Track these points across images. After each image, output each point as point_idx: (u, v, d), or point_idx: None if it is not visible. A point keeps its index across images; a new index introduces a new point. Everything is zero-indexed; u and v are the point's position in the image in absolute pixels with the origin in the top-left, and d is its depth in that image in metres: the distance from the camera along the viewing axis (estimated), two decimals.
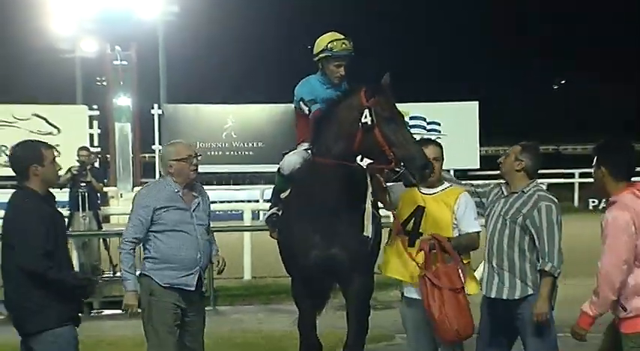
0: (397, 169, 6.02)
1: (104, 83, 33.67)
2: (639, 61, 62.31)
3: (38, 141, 6.15)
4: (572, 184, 29.71)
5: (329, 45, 6.91)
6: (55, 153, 5.89)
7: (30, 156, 5.76)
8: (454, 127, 28.59)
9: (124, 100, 30.60)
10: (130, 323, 6.20)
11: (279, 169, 7.00)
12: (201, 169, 6.71)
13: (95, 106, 31.19)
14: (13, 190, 5.92)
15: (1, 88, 36.75)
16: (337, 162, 6.24)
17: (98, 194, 14.42)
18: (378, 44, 59.87)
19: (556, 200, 6.07)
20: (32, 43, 36.53)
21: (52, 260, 5.55)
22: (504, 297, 5.97)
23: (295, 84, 7.20)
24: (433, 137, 30.53)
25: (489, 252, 6.04)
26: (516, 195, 6.02)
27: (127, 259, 6.21)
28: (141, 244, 6.43)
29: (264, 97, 33.14)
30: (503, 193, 6.15)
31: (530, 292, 5.90)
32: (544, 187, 6.32)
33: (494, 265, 6.00)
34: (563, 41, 66.73)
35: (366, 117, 6.09)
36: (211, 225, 6.67)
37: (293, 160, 6.77)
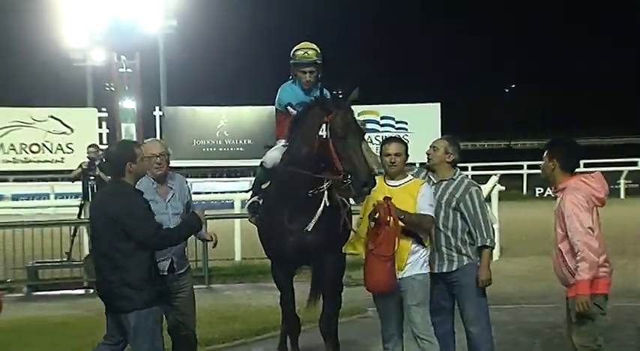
0: (344, 181, 5.92)
1: (112, 88, 33.48)
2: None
3: (132, 141, 6.19)
4: (522, 175, 29.86)
5: (293, 54, 6.91)
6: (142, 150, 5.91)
7: (126, 155, 5.76)
8: (419, 125, 28.63)
9: (129, 103, 30.56)
10: None
11: (261, 162, 6.96)
12: (197, 163, 6.69)
13: (104, 109, 31.14)
14: (111, 184, 5.92)
15: (20, 94, 36.53)
16: (299, 171, 6.24)
17: None
18: (357, 50, 59.96)
19: (478, 185, 6.32)
20: (48, 53, 36.28)
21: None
22: (445, 270, 6.06)
23: (275, 89, 7.19)
24: (401, 135, 30.85)
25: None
26: (446, 182, 6.14)
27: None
28: None
29: (253, 100, 32.98)
30: (432, 181, 6.20)
31: (466, 262, 6.03)
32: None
33: (433, 242, 6.06)
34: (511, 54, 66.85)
35: (323, 131, 6.06)
36: (193, 208, 6.42)
37: (274, 155, 6.72)
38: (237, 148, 29.88)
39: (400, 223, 5.79)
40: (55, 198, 25.08)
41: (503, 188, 15.02)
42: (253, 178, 7.48)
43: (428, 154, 6.27)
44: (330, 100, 6.28)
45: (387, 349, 6.14)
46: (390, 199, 5.87)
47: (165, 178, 6.31)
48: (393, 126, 29.91)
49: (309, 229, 6.29)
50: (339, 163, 5.99)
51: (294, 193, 6.32)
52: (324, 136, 6.09)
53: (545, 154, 5.79)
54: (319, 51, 6.93)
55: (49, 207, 22.34)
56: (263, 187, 6.87)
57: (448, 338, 6.20)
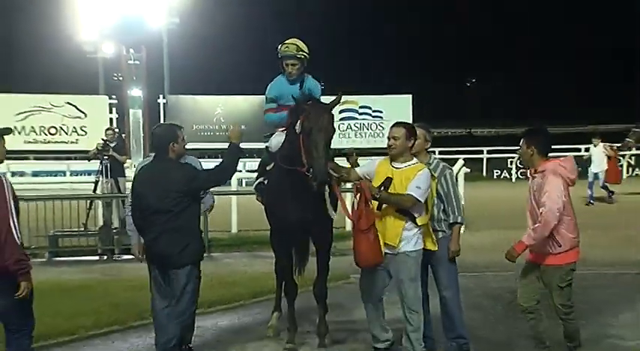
0: (307, 173, 5.86)
1: (120, 78, 33.33)
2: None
3: (175, 124, 6.25)
4: (482, 159, 29.95)
5: (279, 49, 6.88)
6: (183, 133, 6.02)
7: (169, 136, 5.87)
8: (393, 114, 28.54)
9: (136, 92, 30.40)
10: (143, 265, 6.17)
11: (266, 147, 6.90)
12: (197, 145, 6.67)
13: (114, 96, 31.00)
14: (161, 162, 5.86)
15: (39, 82, 36.22)
16: (280, 165, 6.28)
17: (124, 165, 14.36)
18: (339, 45, 59.86)
19: (451, 168, 6.37)
20: (64, 46, 36.03)
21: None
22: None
23: (269, 80, 7.16)
24: (377, 122, 30.77)
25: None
26: None
27: (130, 220, 5.97)
28: None
29: (246, 90, 32.92)
30: None
31: (440, 236, 6.07)
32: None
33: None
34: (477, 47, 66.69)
35: (298, 127, 6.04)
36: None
37: (279, 140, 6.64)
38: None
39: (383, 202, 5.78)
40: (71, 175, 25.16)
41: (468, 170, 15.10)
42: (246, 159, 7.39)
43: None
44: (310, 101, 6.20)
45: (367, 305, 6.12)
46: (391, 179, 5.83)
47: (180, 158, 6.18)
48: (370, 114, 29.97)
49: (303, 209, 6.24)
50: (305, 156, 5.95)
51: (287, 178, 6.29)
52: (297, 132, 6.08)
53: (522, 142, 5.89)
54: (301, 46, 6.86)
55: (64, 183, 22.26)
56: (267, 168, 6.84)
57: (423, 302, 6.16)
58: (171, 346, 5.84)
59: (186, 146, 6.19)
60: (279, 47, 6.87)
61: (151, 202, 5.70)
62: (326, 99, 6.31)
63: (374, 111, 30.14)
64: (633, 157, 29.77)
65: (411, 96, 30.84)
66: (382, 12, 65.12)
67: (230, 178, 6.16)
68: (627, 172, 29.32)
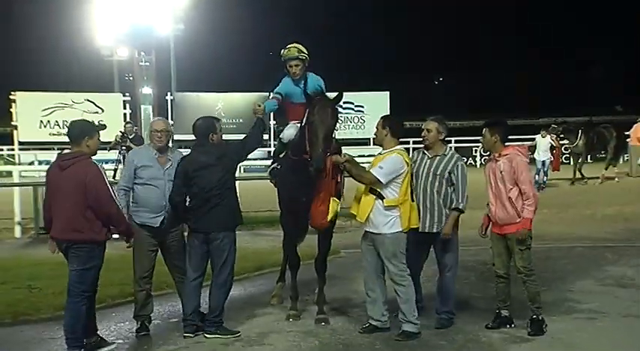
0: (309, 159, 5.87)
1: (132, 78, 33.12)
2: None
3: (212, 117, 6.35)
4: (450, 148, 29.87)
5: (281, 53, 6.80)
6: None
7: (209, 127, 6.01)
8: (373, 109, 28.43)
9: (147, 90, 30.12)
10: None
11: (280, 138, 6.86)
12: None
13: (127, 94, 30.75)
14: (205, 148, 6.00)
15: (62, 82, 35.94)
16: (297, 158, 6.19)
17: None
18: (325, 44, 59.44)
19: (463, 159, 6.28)
20: (84, 50, 35.81)
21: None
22: (435, 230, 5.98)
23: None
24: (359, 116, 30.55)
25: (423, 197, 5.98)
26: (439, 157, 6.03)
27: (121, 201, 5.83)
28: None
29: (243, 88, 32.92)
30: (427, 156, 6.07)
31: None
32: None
33: (427, 206, 5.98)
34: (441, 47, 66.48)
35: (305, 118, 6.05)
36: None
37: (291, 132, 6.60)
38: (231, 126, 29.44)
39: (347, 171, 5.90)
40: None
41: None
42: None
43: (424, 137, 6.08)
44: (319, 96, 6.15)
45: (368, 291, 6.05)
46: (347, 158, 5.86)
47: (166, 151, 6.20)
48: (352, 109, 29.81)
49: (307, 193, 6.20)
50: (308, 145, 5.94)
51: (294, 165, 6.26)
52: (304, 123, 6.08)
53: (486, 131, 6.03)
54: (301, 48, 6.77)
55: None
56: (280, 156, 6.81)
57: (417, 280, 6.17)
58: (192, 315, 5.94)
59: (192, 138, 6.22)
60: (282, 52, 6.78)
61: (203, 182, 5.87)
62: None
63: (356, 106, 30.01)
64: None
65: (388, 92, 30.77)
66: (358, 16, 64.74)
67: (258, 147, 6.42)
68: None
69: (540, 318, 5.95)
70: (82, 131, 5.51)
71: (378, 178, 5.71)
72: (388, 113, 28.86)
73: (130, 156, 6.37)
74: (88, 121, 5.96)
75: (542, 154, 17.90)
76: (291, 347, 5.72)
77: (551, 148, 18.04)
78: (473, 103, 56.58)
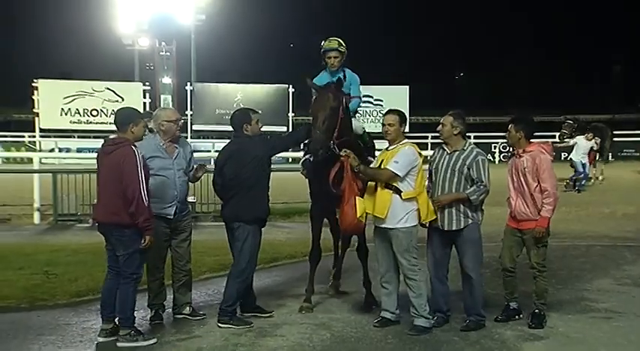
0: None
1: (153, 67, 33.24)
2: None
3: (249, 109, 6.42)
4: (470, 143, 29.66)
5: (322, 45, 6.83)
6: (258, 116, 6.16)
7: (243, 118, 6.10)
8: (392, 103, 28.15)
9: (167, 80, 30.42)
10: None
11: None
12: (219, 128, 6.72)
13: (147, 83, 30.89)
14: (240, 138, 6.10)
15: (84, 71, 36.24)
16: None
17: None
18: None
19: (485, 154, 6.09)
20: (106, 39, 36.18)
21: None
22: (454, 228, 5.86)
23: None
24: (377, 109, 30.51)
25: (442, 194, 5.87)
26: (458, 152, 5.87)
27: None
28: None
29: (263, 80, 32.90)
30: (446, 151, 5.95)
31: (470, 221, 5.85)
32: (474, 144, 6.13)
33: (446, 204, 5.85)
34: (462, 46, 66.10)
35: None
36: (196, 163, 6.43)
37: None
38: None
39: (362, 175, 5.77)
40: None
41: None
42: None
43: (439, 131, 5.98)
44: (317, 86, 6.31)
45: (384, 283, 6.02)
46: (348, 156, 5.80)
47: (178, 139, 6.21)
48: (372, 102, 29.79)
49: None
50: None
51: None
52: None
53: (511, 127, 6.00)
54: (341, 42, 6.83)
55: None
56: None
57: (445, 279, 6.11)
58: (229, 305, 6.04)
59: (210, 129, 6.25)
60: (322, 43, 6.85)
61: (229, 171, 5.96)
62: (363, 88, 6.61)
63: (375, 99, 29.94)
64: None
65: (407, 87, 30.68)
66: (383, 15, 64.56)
67: (292, 148, 6.50)
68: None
69: (542, 313, 6.01)
70: (128, 118, 5.63)
71: (396, 172, 5.66)
72: (406, 107, 29.20)
73: (138, 148, 6.33)
74: (134, 109, 5.99)
75: (583, 156, 17.16)
76: (303, 339, 5.70)
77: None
78: (494, 99, 56.26)
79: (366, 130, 6.89)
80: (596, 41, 60.16)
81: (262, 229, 6.17)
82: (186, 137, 23.63)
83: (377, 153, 6.38)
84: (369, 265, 6.73)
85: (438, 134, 6.06)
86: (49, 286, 7.23)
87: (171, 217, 6.06)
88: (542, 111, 41.63)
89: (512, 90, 59.53)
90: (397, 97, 29.36)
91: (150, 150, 5.95)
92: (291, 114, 30.32)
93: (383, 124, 5.94)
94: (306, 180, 6.75)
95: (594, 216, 12.78)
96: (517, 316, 6.11)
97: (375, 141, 6.91)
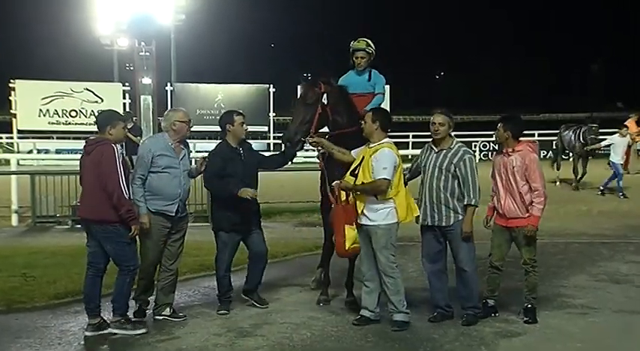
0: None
1: (132, 68, 33.06)
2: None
3: (233, 111, 6.54)
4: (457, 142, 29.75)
5: (351, 44, 6.99)
6: (242, 118, 6.35)
7: (226, 118, 6.34)
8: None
9: (146, 80, 29.72)
10: None
11: None
12: (199, 128, 6.89)
13: (127, 84, 30.65)
14: (220, 141, 6.48)
15: (62, 71, 35.91)
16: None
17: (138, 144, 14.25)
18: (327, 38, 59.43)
19: (472, 153, 6.15)
20: (84, 39, 35.79)
21: None
22: (443, 224, 5.93)
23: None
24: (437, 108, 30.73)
25: (429, 193, 5.94)
26: (445, 151, 5.94)
27: (138, 192, 5.95)
28: None
29: (243, 79, 32.90)
30: (434, 150, 6.01)
31: (460, 218, 5.91)
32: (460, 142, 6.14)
33: (434, 201, 5.92)
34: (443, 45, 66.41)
35: None
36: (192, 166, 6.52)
37: None
38: None
39: (360, 192, 5.77)
40: None
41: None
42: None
43: (436, 130, 5.96)
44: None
45: (365, 281, 6.05)
46: (362, 158, 5.83)
47: (183, 141, 6.31)
48: None
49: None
50: (328, 123, 6.42)
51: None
52: None
53: (500, 126, 6.09)
54: (370, 43, 6.97)
55: None
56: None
57: (442, 275, 6.16)
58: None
59: (191, 129, 6.31)
60: (351, 43, 6.99)
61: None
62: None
63: None
64: None
65: (388, 86, 30.68)
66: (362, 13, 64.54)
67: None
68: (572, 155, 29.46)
69: (534, 307, 6.10)
70: (105, 120, 5.84)
71: (390, 178, 5.73)
72: (388, 106, 29.13)
73: (147, 144, 6.34)
74: (113, 111, 6.22)
75: (621, 156, 15.58)
76: (284, 339, 5.73)
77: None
78: (472, 98, 56.60)
79: None
80: (575, 39, 60.76)
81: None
82: None
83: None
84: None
85: (432, 133, 6.03)
86: (27, 289, 7.19)
87: (173, 214, 6.14)
88: (521, 109, 42.08)
89: (490, 89, 59.95)
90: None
91: (159, 148, 6.11)
92: (271, 114, 30.31)
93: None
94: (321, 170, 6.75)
95: (572, 213, 12.91)
96: (494, 314, 6.19)
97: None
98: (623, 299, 6.88)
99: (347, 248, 5.83)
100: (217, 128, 6.64)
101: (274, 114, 30.38)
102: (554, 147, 19.92)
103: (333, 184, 5.88)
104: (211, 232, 6.52)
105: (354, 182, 5.85)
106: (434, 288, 6.17)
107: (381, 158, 5.75)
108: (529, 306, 6.10)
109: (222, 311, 6.43)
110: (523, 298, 6.14)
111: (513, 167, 5.97)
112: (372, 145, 5.92)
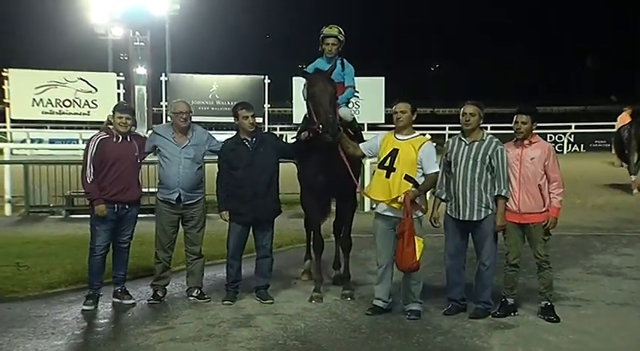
0: (318, 130, 6.01)
1: (127, 58, 32.90)
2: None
3: (239, 103, 6.55)
4: (444, 134, 29.91)
5: (321, 30, 6.90)
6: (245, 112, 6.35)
7: (233, 110, 6.45)
8: (368, 94, 28.28)
9: (141, 70, 29.91)
10: (147, 223, 6.75)
11: (305, 115, 6.72)
12: (194, 119, 6.81)
13: (121, 74, 30.57)
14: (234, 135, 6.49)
15: (56, 61, 35.77)
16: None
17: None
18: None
19: (503, 144, 6.02)
20: (78, 28, 35.59)
21: None
22: (475, 219, 5.88)
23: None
24: (354, 100, 30.70)
25: (462, 185, 5.87)
26: (478, 143, 5.88)
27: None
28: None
29: (238, 70, 32.80)
30: (465, 142, 5.93)
31: (490, 212, 5.88)
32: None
33: (467, 194, 5.85)
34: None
35: (303, 94, 6.36)
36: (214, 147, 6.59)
37: None
38: (225, 108, 29.31)
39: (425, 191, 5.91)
40: (83, 143, 24.69)
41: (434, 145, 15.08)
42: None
43: (467, 121, 5.88)
44: (311, 73, 6.38)
45: (380, 267, 6.06)
46: (397, 150, 5.81)
47: (187, 130, 6.44)
48: None
49: (324, 172, 6.35)
50: (314, 116, 6.11)
51: (309, 143, 6.40)
52: (305, 98, 6.27)
53: (527, 118, 5.92)
54: (341, 30, 6.92)
55: (77, 150, 21.99)
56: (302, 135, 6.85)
57: (462, 270, 6.14)
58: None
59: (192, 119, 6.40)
60: (322, 29, 6.89)
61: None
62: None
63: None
64: (572, 136, 30.00)
65: (383, 78, 30.61)
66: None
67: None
68: (567, 148, 29.60)
69: (552, 304, 6.04)
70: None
71: (438, 171, 5.93)
72: (382, 98, 29.13)
73: (153, 133, 6.71)
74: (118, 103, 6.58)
75: None
76: (277, 330, 5.73)
77: None
78: (466, 90, 56.61)
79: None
80: (570, 34, 60.81)
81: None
82: None
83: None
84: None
85: (462, 124, 5.93)
86: (21, 278, 7.18)
87: (174, 202, 6.35)
88: (512, 102, 42.20)
89: (488, 81, 59.97)
90: (374, 87, 29.37)
91: (163, 137, 6.44)
92: (266, 105, 30.26)
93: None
94: (296, 165, 6.84)
95: (565, 207, 12.71)
96: (513, 313, 6.06)
97: (378, 132, 6.98)
98: (616, 292, 6.92)
99: (418, 259, 5.78)
100: (213, 119, 6.77)
101: (269, 105, 30.32)
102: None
103: (400, 198, 5.73)
104: (219, 223, 6.63)
105: (387, 174, 5.85)
106: (452, 282, 6.13)
107: (430, 152, 5.87)
108: (548, 304, 5.99)
109: (226, 301, 6.47)
110: (539, 295, 6.08)
111: (532, 158, 5.85)
112: (407, 138, 5.90)
